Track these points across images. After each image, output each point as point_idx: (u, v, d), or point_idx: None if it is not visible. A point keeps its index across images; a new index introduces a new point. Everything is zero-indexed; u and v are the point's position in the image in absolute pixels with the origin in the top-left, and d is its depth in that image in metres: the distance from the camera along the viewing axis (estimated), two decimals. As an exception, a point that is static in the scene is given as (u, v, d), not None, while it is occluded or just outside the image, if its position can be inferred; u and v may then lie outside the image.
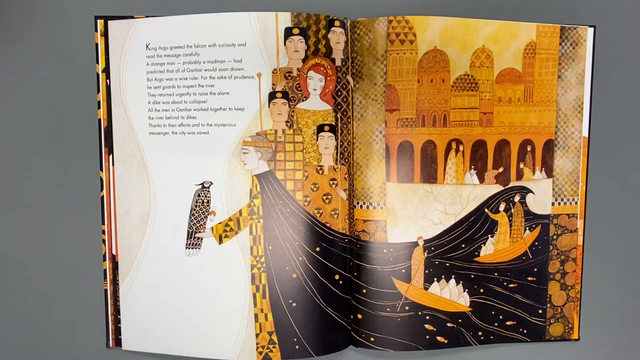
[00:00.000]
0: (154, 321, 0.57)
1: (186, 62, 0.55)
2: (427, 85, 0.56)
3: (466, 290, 0.58)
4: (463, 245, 0.58)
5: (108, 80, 0.56)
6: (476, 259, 0.58)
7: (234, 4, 0.58)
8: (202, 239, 0.56)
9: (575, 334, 0.61)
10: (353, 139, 0.56)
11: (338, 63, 0.55)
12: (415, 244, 0.57)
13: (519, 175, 0.59)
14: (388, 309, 0.57)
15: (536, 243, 0.59)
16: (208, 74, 0.55)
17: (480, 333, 0.59)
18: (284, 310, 0.56)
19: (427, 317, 0.57)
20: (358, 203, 0.57)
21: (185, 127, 0.55)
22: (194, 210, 0.56)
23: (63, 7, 0.58)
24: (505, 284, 0.59)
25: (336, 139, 0.56)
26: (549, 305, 0.60)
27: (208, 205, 0.56)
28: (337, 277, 0.56)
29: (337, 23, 0.55)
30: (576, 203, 0.60)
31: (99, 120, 0.57)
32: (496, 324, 0.59)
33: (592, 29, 0.58)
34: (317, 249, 0.55)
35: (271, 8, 0.58)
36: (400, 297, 0.57)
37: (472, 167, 0.57)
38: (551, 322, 0.60)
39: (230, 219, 0.56)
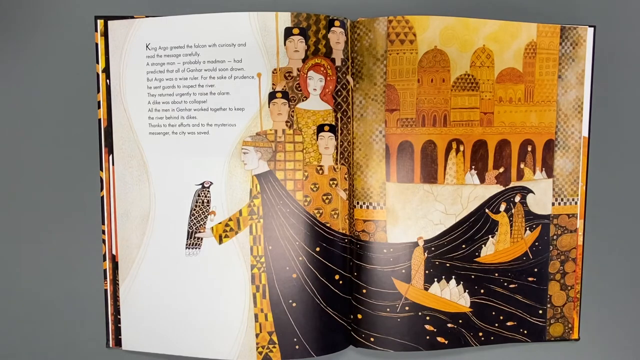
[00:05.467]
0: (154, 321, 0.57)
1: (186, 62, 0.55)
2: (427, 85, 0.56)
3: (467, 290, 0.58)
4: (463, 246, 0.58)
5: (108, 80, 0.56)
6: (477, 259, 0.58)
7: (234, 4, 0.58)
8: (202, 239, 0.56)
9: (575, 334, 0.61)
10: (353, 139, 0.56)
11: (338, 63, 0.55)
12: (416, 244, 0.57)
13: (520, 176, 0.59)
14: (388, 309, 0.56)
15: (536, 243, 0.59)
16: (208, 74, 0.55)
17: (480, 334, 0.59)
18: (284, 310, 0.55)
19: (428, 318, 0.57)
20: (358, 203, 0.57)
21: (185, 127, 0.55)
22: (194, 210, 0.56)
23: (63, 7, 0.58)
24: (505, 284, 0.59)
25: (336, 139, 0.56)
26: (549, 305, 0.60)
27: (208, 205, 0.55)
28: (337, 277, 0.56)
29: (337, 23, 0.55)
30: (576, 203, 0.60)
31: (99, 120, 0.57)
32: (496, 325, 0.59)
33: (592, 29, 0.58)
34: (317, 249, 0.55)
35: (271, 8, 0.58)
36: (400, 298, 0.57)
37: (473, 167, 0.57)
38: (551, 322, 0.60)
39: (230, 219, 0.55)
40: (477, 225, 0.58)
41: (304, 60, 0.55)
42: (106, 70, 0.56)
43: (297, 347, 0.56)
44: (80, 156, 0.58)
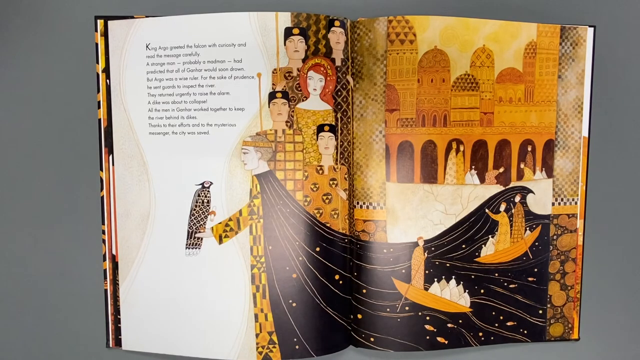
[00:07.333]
0: (154, 321, 0.57)
1: (186, 62, 0.55)
2: (427, 85, 0.56)
3: (467, 290, 0.58)
4: (463, 246, 0.58)
5: (108, 80, 0.56)
6: (477, 259, 0.58)
7: (234, 4, 0.58)
8: (202, 239, 0.56)
9: (575, 334, 0.61)
10: (353, 139, 0.56)
11: (338, 63, 0.55)
12: (415, 244, 0.57)
13: (520, 176, 0.59)
14: (388, 309, 0.56)
15: (536, 243, 0.59)
16: (208, 74, 0.55)
17: (480, 334, 0.59)
18: (284, 310, 0.55)
19: (428, 318, 0.57)
20: (358, 203, 0.57)
21: (185, 127, 0.55)
22: (194, 210, 0.56)
23: (63, 7, 0.58)
24: (505, 284, 0.59)
25: (336, 139, 0.56)
26: (549, 305, 0.60)
27: (208, 205, 0.55)
28: (337, 277, 0.56)
29: (337, 23, 0.55)
30: (576, 203, 0.60)
31: (99, 120, 0.57)
32: (496, 325, 0.59)
33: (592, 29, 0.58)
34: (317, 249, 0.55)
35: (271, 8, 0.58)
36: (400, 298, 0.57)
37: (473, 167, 0.57)
38: (551, 322, 0.60)
39: (230, 219, 0.55)
40: (477, 225, 0.58)
41: (304, 60, 0.55)
42: (106, 70, 0.56)
43: (297, 347, 0.56)
44: (80, 156, 0.58)
